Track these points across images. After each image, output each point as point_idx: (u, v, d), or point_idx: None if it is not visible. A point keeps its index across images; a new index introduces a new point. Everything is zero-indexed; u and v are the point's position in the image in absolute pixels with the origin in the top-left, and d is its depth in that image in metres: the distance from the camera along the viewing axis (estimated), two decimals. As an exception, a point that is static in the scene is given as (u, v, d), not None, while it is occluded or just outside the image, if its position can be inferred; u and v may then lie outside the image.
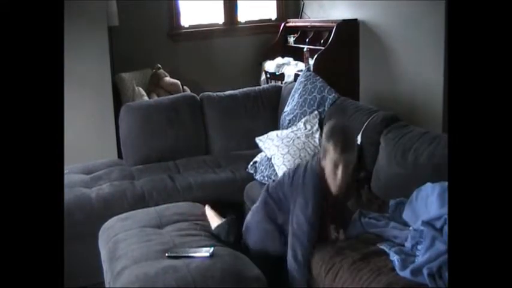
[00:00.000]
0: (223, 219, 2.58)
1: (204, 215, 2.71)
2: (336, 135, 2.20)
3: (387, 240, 2.18)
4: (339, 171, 2.18)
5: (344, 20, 4.53)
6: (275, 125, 3.63)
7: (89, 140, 3.94)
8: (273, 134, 3.30)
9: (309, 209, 2.19)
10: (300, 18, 5.42)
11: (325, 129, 2.28)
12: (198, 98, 3.80)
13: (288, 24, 5.38)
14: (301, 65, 4.79)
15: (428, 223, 2.02)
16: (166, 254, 2.18)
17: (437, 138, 2.50)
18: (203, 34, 5.37)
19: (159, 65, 4.82)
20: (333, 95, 3.35)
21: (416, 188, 2.28)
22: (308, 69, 3.93)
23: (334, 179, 2.20)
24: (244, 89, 3.93)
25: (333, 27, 4.50)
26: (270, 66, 5.05)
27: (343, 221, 2.34)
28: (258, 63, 5.33)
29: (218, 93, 3.85)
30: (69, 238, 2.31)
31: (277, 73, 4.93)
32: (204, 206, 2.80)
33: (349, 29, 4.51)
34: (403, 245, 2.10)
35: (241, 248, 2.41)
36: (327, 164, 2.21)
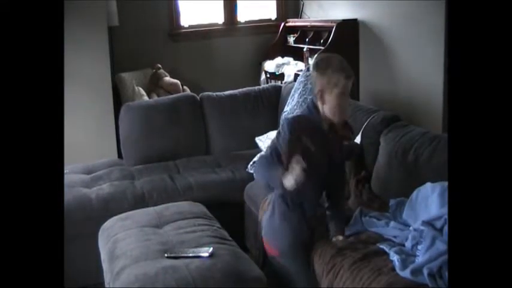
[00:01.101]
0: None
1: (205, 213, 2.69)
2: (319, 63, 2.17)
3: (387, 240, 2.18)
4: (327, 96, 2.11)
5: (344, 20, 4.52)
6: (275, 125, 3.62)
7: (89, 140, 3.93)
8: (273, 133, 3.29)
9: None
10: (300, 18, 5.41)
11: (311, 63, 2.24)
12: (198, 98, 3.80)
13: (287, 24, 5.37)
14: (301, 65, 4.78)
15: (428, 223, 2.02)
16: (166, 255, 2.18)
17: (437, 138, 2.50)
18: (203, 34, 5.36)
19: (159, 65, 4.81)
20: (333, 94, 3.34)
21: (416, 188, 2.28)
22: (308, 69, 3.92)
23: (325, 107, 2.14)
24: (244, 89, 3.94)
25: (333, 27, 4.49)
26: (269, 66, 5.04)
27: (343, 220, 2.34)
28: (258, 63, 5.32)
29: (218, 93, 3.85)
30: (69, 238, 2.32)
31: (277, 73, 4.92)
32: (204, 205, 2.78)
33: (349, 29, 4.50)
34: (403, 245, 2.10)
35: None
36: (317, 95, 2.15)
